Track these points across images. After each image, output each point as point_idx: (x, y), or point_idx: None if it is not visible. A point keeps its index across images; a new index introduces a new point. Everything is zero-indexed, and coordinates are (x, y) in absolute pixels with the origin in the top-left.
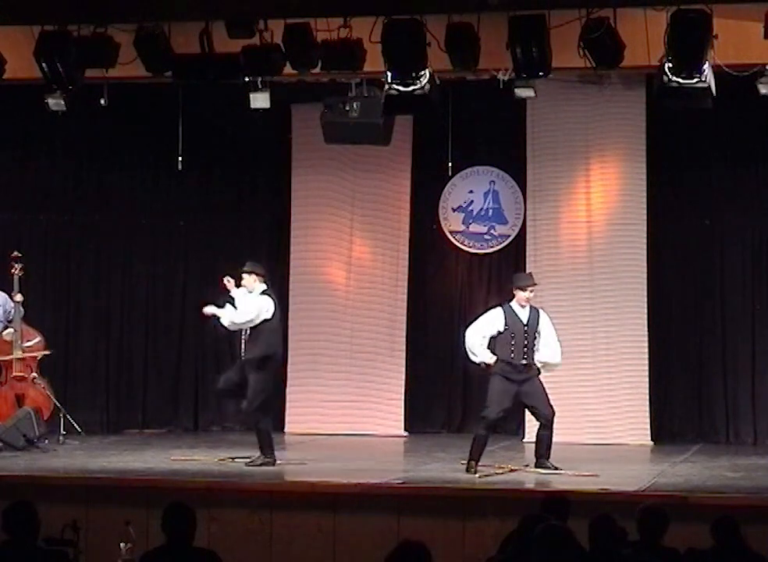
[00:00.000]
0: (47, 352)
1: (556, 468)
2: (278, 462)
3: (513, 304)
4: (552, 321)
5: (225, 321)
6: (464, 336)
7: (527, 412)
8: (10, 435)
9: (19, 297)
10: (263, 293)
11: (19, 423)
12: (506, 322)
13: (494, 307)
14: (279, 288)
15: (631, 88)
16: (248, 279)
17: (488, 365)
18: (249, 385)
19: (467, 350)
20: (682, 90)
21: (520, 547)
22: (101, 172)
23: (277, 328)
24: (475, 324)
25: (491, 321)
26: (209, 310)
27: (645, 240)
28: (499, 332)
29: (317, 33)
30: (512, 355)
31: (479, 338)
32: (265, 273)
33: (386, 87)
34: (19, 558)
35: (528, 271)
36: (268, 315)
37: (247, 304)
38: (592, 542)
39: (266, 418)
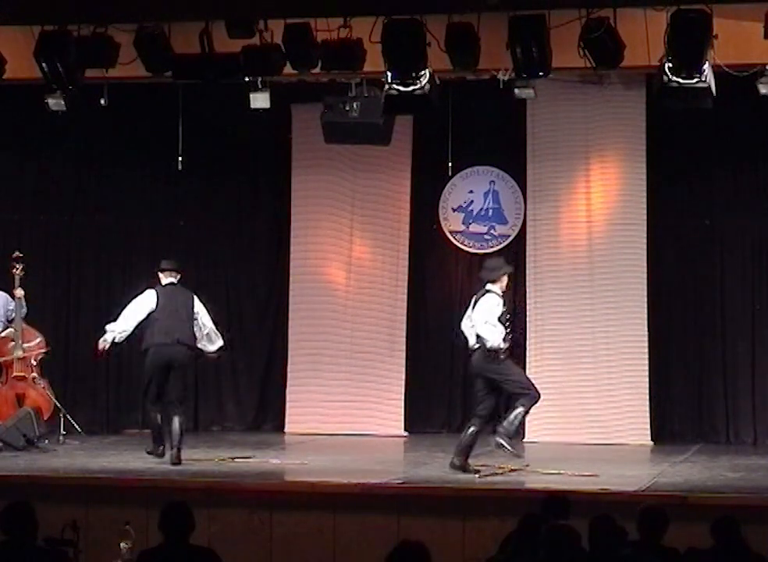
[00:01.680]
0: (44, 350)
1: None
2: (278, 462)
3: (497, 289)
4: (553, 321)
5: None
6: (482, 324)
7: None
8: (10, 435)
9: (20, 292)
10: (159, 286)
11: (19, 423)
12: (505, 305)
13: (486, 293)
14: (279, 288)
15: (631, 88)
16: (160, 278)
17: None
18: None
19: (492, 339)
20: (682, 90)
21: (520, 547)
22: (101, 172)
23: (158, 320)
24: (487, 310)
25: (499, 308)
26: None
27: (645, 240)
28: (498, 319)
29: (317, 33)
30: (508, 339)
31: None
32: (171, 267)
33: (386, 87)
34: (18, 558)
35: (528, 271)
36: (151, 308)
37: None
38: (592, 542)
39: (153, 407)
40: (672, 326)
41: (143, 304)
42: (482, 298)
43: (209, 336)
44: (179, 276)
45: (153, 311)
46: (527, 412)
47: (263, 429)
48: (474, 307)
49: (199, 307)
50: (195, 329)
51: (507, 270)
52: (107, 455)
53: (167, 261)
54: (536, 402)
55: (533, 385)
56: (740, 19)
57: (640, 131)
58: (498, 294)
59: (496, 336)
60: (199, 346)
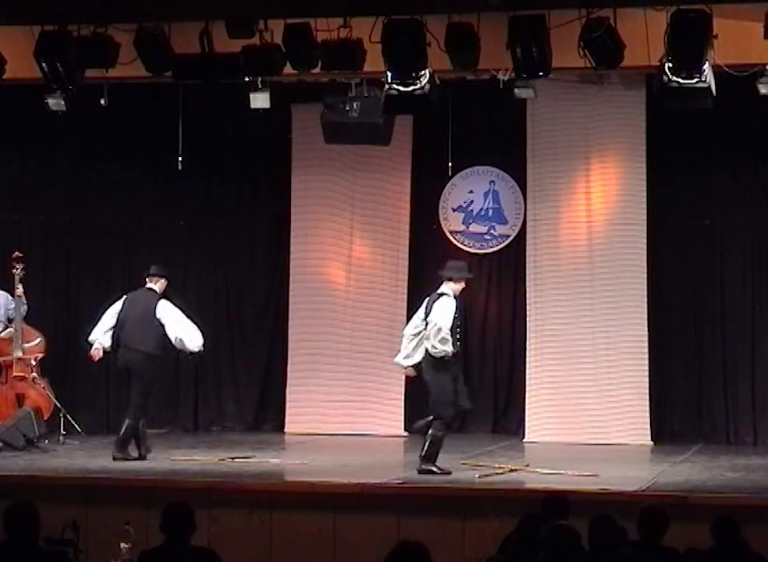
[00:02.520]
0: (43, 353)
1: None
2: (278, 462)
3: (450, 292)
4: (553, 321)
5: None
6: (436, 331)
7: (527, 411)
8: (10, 435)
9: (19, 290)
10: (131, 292)
11: (19, 423)
12: (457, 311)
13: (441, 296)
14: (279, 288)
15: (631, 88)
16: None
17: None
18: None
19: (443, 343)
20: (682, 90)
21: (520, 547)
22: (101, 172)
23: (120, 325)
24: (447, 316)
25: (452, 314)
26: None
27: (645, 240)
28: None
29: (317, 33)
30: (457, 345)
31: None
32: (152, 272)
33: (386, 87)
34: (19, 558)
35: (528, 271)
36: (117, 314)
37: None
38: (592, 542)
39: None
40: (672, 326)
41: (111, 311)
42: (438, 301)
43: (181, 340)
44: (160, 281)
45: (119, 317)
46: (443, 437)
47: (263, 429)
48: (426, 312)
49: (163, 312)
50: (170, 334)
51: (468, 276)
52: (107, 455)
53: (154, 266)
54: (447, 430)
55: (455, 413)
56: (740, 19)
57: (640, 131)
58: (453, 297)
59: (447, 346)
60: (178, 347)
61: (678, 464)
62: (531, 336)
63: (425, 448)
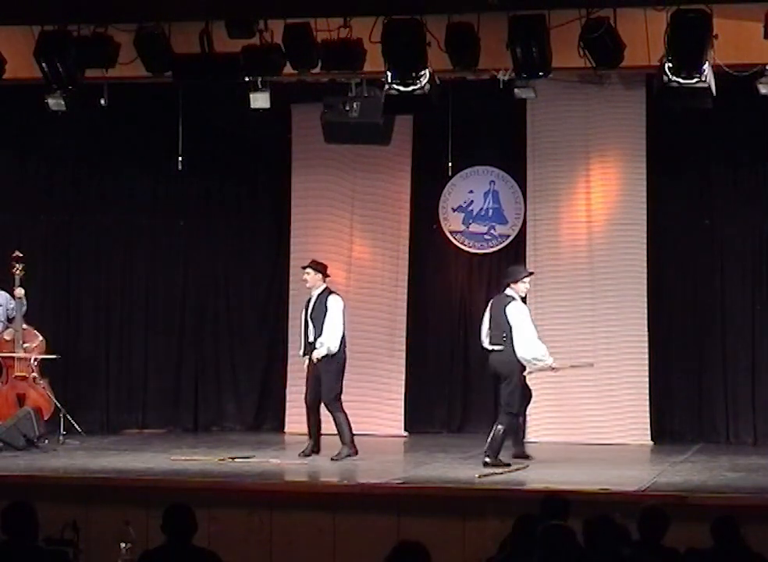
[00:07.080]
0: (49, 356)
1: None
2: (278, 462)
3: (516, 295)
4: (553, 321)
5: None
6: (513, 347)
7: (527, 411)
8: (10, 435)
9: (20, 291)
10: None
11: (19, 423)
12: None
13: (511, 300)
14: (279, 288)
15: (631, 88)
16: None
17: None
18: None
19: (537, 358)
20: (682, 90)
21: (517, 548)
22: (101, 172)
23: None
24: (531, 328)
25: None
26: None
27: (645, 240)
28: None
29: (317, 33)
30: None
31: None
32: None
33: (386, 87)
34: (18, 558)
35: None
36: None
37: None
38: (587, 542)
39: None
40: (672, 326)
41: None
42: (508, 306)
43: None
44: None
45: None
46: (506, 432)
47: (263, 429)
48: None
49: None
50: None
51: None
52: (107, 455)
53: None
54: (513, 428)
55: (522, 411)
56: (740, 19)
57: (640, 131)
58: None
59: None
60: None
61: (678, 464)
62: None
63: (490, 439)
